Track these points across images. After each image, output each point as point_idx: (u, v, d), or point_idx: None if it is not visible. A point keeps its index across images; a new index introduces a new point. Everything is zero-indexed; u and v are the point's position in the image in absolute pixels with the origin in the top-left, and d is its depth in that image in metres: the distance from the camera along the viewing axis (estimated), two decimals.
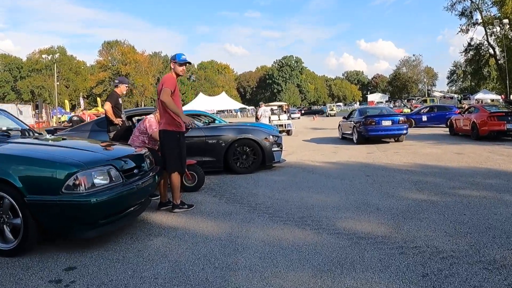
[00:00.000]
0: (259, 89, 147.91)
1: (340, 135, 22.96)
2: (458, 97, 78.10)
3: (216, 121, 15.33)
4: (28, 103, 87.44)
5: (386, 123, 18.44)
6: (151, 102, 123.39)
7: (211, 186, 9.14)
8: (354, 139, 19.44)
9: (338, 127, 23.66)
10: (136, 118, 11.56)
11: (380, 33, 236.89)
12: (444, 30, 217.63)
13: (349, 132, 20.40)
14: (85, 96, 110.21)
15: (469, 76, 75.80)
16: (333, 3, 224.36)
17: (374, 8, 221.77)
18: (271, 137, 10.89)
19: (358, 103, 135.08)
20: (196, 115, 15.83)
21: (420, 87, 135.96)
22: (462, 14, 65.03)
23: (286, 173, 10.54)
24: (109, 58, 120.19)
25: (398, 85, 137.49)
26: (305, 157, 14.12)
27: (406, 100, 75.66)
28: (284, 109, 30.72)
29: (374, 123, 18.38)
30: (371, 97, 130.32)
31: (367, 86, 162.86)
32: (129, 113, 10.86)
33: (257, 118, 29.05)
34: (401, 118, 19.03)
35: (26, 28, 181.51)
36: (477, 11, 63.65)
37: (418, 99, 73.12)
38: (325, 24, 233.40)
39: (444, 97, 77.31)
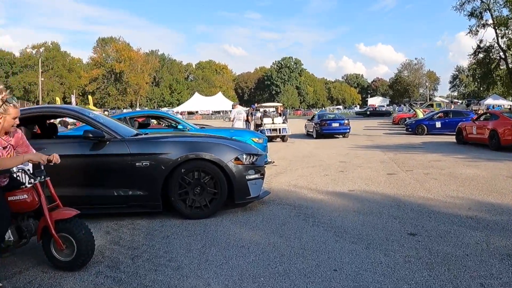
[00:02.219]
0: (258, 90, 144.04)
1: (306, 132, 29.73)
2: (461, 102, 74.60)
3: (180, 126, 11.10)
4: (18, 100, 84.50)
5: (335, 124, 25.82)
6: (147, 101, 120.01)
7: (113, 257, 4.82)
8: (314, 134, 26.50)
9: (305, 126, 30.80)
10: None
11: (379, 37, 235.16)
12: (443, 35, 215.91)
13: (311, 130, 27.58)
14: (81, 94, 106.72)
15: (478, 79, 71.41)
16: (333, 6, 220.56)
17: (373, 12, 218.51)
18: (244, 157, 6.58)
19: (357, 106, 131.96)
20: (146, 116, 11.78)
21: (421, 91, 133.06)
22: (471, 14, 60.92)
23: (267, 223, 6.16)
24: (103, 55, 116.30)
25: (399, 89, 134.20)
26: (302, 180, 9.84)
27: (408, 104, 71.36)
28: (279, 111, 26.25)
29: (326, 124, 25.65)
30: (372, 101, 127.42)
31: (366, 89, 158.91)
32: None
33: (248, 121, 24.96)
34: (346, 121, 26.21)
35: (25, 23, 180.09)
36: (488, 11, 59.71)
37: (421, 103, 69.06)
38: (324, 26, 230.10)
39: (452, 102, 73.69)
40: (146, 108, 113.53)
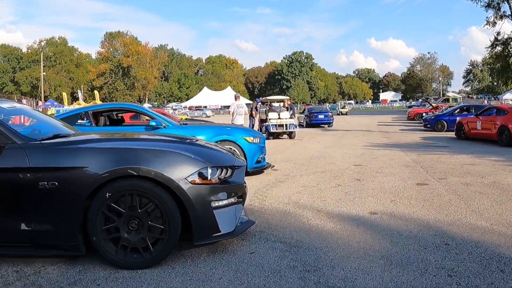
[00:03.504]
0: (268, 85, 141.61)
1: (298, 123, 29.52)
2: (477, 97, 72.07)
3: (152, 123, 8.78)
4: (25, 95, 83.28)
5: (321, 116, 31.50)
6: (156, 96, 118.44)
7: None
8: (304, 124, 31.82)
9: (297, 118, 32.25)
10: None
11: (391, 31, 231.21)
12: (455, 29, 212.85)
13: (302, 121, 32.90)
14: (90, 89, 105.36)
15: (495, 74, 68.70)
16: (344, 0, 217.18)
17: (385, 6, 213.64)
18: (210, 171, 4.23)
19: (369, 101, 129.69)
20: (112, 110, 9.55)
21: (434, 86, 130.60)
22: (488, 5, 58.68)
23: (240, 284, 3.77)
24: (111, 49, 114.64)
25: (411, 84, 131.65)
26: (306, 194, 7.48)
27: (423, 99, 68.78)
28: (286, 105, 23.78)
29: (314, 116, 31.47)
30: (384, 96, 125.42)
31: (378, 84, 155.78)
32: None
33: (252, 117, 22.65)
34: (330, 114, 32.10)
35: (37, 21, 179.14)
36: (506, 2, 57.40)
37: (435, 98, 66.50)
38: (336, 21, 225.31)
39: (469, 97, 71.10)
40: (156, 103, 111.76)
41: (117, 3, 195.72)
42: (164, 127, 8.81)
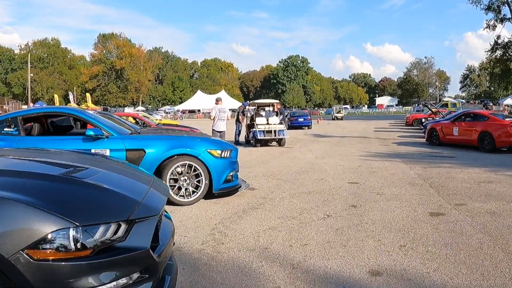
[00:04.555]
0: (263, 89, 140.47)
1: None
2: (476, 102, 70.88)
3: (90, 132, 6.84)
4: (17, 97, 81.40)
5: (300, 119, 36.97)
6: (150, 99, 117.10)
7: None
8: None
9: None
10: None
11: (387, 36, 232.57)
12: (450, 35, 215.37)
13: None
14: (83, 91, 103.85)
15: (495, 78, 67.33)
16: (341, 5, 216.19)
17: (381, 11, 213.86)
18: (72, 235, 2.23)
19: (365, 106, 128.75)
20: (43, 115, 7.70)
21: (431, 91, 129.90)
22: (488, 8, 57.52)
23: None
24: (104, 51, 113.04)
25: (408, 89, 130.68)
26: (282, 232, 5.51)
27: (422, 104, 67.18)
28: (276, 110, 21.72)
29: (294, 119, 36.63)
30: (380, 101, 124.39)
31: (374, 89, 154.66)
32: None
33: (239, 122, 20.83)
34: (308, 117, 38.00)
35: (33, 22, 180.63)
36: (506, 5, 56.37)
37: (432, 103, 65.01)
38: (332, 26, 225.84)
39: (468, 102, 69.70)
40: (150, 106, 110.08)
41: (114, 6, 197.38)
42: (107, 137, 6.88)
